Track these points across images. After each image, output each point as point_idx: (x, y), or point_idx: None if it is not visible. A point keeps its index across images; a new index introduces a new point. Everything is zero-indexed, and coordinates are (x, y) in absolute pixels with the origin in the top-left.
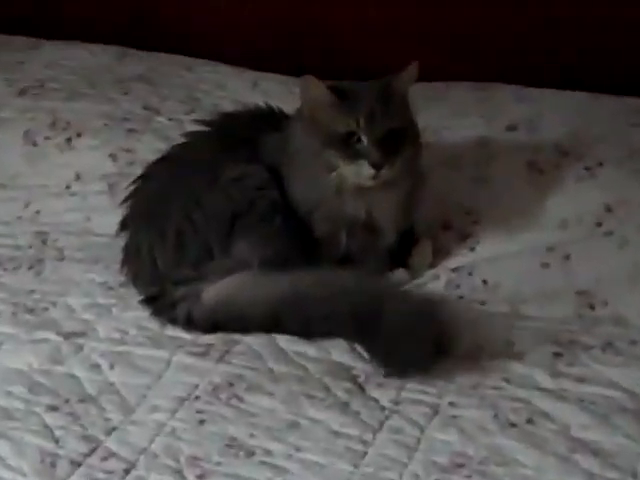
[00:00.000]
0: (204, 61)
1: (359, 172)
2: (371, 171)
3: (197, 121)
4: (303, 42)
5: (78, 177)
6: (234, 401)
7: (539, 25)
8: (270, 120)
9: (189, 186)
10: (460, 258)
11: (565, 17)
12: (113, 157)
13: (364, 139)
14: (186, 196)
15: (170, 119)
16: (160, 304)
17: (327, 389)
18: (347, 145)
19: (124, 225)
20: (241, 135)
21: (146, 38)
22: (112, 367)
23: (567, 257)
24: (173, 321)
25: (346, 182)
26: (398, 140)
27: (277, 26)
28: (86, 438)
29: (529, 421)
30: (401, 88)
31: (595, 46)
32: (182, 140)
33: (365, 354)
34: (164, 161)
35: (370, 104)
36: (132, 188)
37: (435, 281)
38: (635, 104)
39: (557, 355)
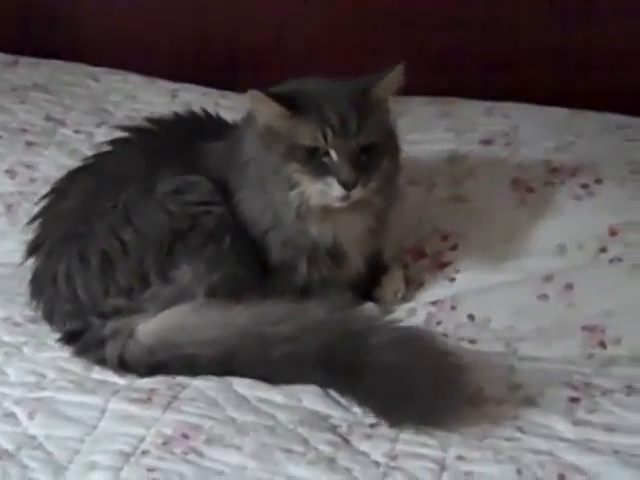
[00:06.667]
0: (110, 70)
1: (326, 191)
2: (341, 191)
3: (119, 127)
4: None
5: None
6: (192, 456)
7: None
8: (210, 127)
9: (115, 200)
10: (439, 290)
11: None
12: (11, 173)
13: (333, 154)
14: (112, 212)
15: (77, 131)
16: (84, 342)
17: (305, 442)
18: (313, 159)
19: (32, 250)
20: (176, 143)
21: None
22: (31, 417)
23: (569, 287)
24: (101, 362)
25: (309, 202)
26: (375, 155)
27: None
28: None
29: (562, 477)
30: (381, 94)
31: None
32: (102, 149)
33: (343, 400)
34: (82, 172)
35: (340, 113)
36: (41, 205)
37: (412, 316)
38: (623, 121)
39: (574, 400)
